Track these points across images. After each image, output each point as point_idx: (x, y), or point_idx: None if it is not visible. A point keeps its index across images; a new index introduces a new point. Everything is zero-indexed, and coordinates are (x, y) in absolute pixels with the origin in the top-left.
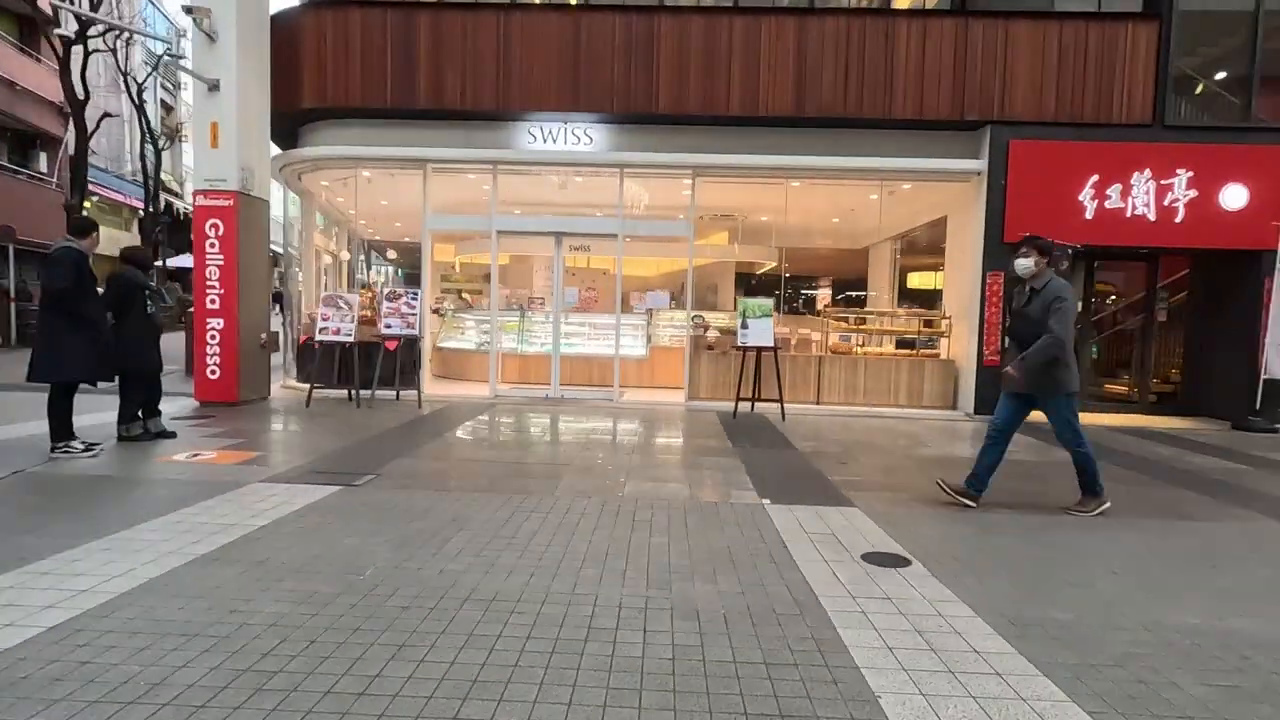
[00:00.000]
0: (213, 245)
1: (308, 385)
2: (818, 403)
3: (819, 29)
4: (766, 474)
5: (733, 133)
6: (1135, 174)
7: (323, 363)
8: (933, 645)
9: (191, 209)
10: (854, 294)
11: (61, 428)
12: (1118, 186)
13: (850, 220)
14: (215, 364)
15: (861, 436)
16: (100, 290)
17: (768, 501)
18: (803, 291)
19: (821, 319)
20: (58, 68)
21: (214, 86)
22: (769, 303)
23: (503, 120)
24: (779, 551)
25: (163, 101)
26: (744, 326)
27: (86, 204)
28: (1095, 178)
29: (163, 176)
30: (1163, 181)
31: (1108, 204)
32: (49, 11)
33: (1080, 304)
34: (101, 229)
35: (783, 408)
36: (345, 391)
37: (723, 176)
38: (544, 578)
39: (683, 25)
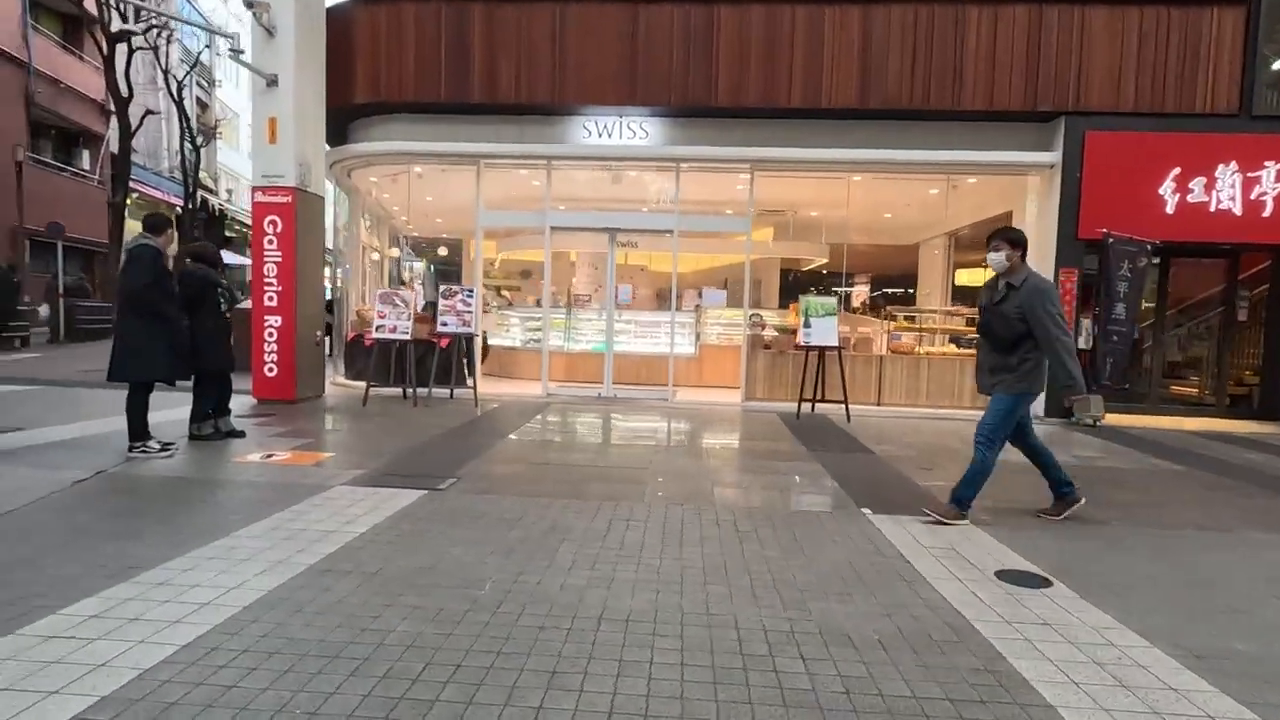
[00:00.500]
0: (271, 242)
1: (357, 383)
2: (879, 404)
3: (885, 17)
4: (852, 480)
5: (793, 125)
6: (1220, 166)
7: (375, 360)
8: (1122, 681)
9: (223, 205)
10: (890, 291)
11: (139, 427)
12: (1201, 180)
13: (904, 215)
14: (273, 361)
15: (934, 439)
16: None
17: (868, 511)
18: (834, 289)
19: (881, 317)
20: (101, 65)
21: (272, 82)
22: (832, 301)
23: (557, 115)
24: (903, 567)
25: (198, 99)
26: (806, 325)
27: (128, 201)
28: (1177, 170)
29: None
30: (1250, 174)
31: (1190, 198)
32: (93, 10)
33: (1154, 301)
34: (139, 225)
35: (847, 409)
36: (399, 390)
37: (781, 171)
38: (670, 595)
39: (742, 14)
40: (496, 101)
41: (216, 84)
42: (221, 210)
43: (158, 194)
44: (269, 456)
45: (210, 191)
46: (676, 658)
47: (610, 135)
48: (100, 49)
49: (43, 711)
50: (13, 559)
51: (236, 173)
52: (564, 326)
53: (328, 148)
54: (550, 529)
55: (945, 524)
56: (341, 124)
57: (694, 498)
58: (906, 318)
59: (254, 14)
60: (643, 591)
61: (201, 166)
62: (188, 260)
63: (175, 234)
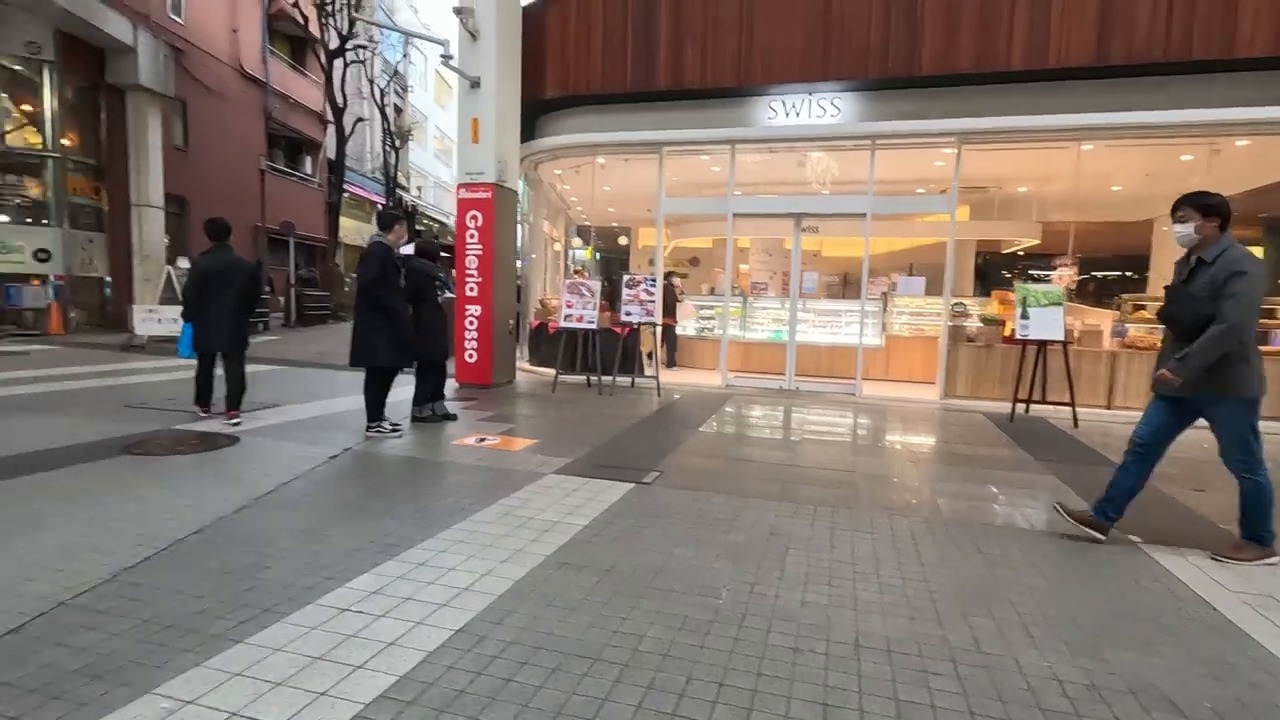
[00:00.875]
0: (472, 236)
1: (541, 369)
2: (1108, 406)
3: None
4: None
5: (1010, 91)
6: None
7: (556, 347)
8: None
9: (414, 201)
10: (1105, 275)
11: (375, 409)
12: None
13: (1140, 187)
14: (473, 348)
15: (1192, 452)
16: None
17: (1139, 540)
18: (1032, 272)
19: (1104, 306)
20: (321, 80)
21: (475, 84)
22: (1057, 289)
23: (742, 96)
24: (1209, 615)
25: (394, 105)
26: (1024, 316)
27: (342, 199)
28: None
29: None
30: None
31: None
32: (315, 32)
33: None
34: (350, 221)
35: (1074, 412)
36: (582, 377)
37: (993, 143)
38: (927, 623)
39: None
40: (682, 86)
41: (409, 90)
42: (413, 206)
43: (363, 193)
44: (481, 440)
45: (403, 189)
46: (961, 703)
47: (798, 114)
48: (321, 65)
49: (355, 683)
50: (299, 528)
51: (424, 171)
52: (740, 315)
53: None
54: (770, 534)
55: (1248, 563)
56: (530, 120)
57: (917, 507)
58: (1137, 306)
59: (460, 20)
60: (894, 617)
61: (396, 166)
62: (408, 255)
63: (405, 229)
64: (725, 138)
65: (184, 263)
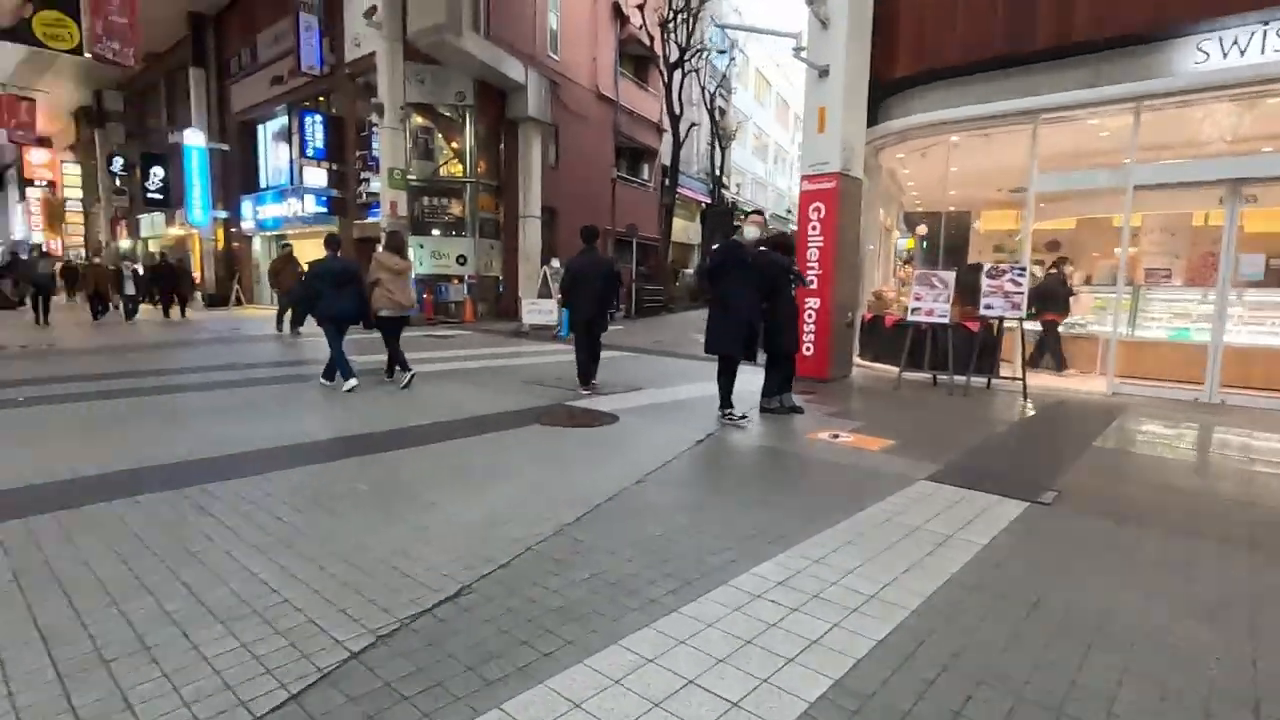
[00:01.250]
0: (814, 228)
1: (874, 364)
2: None
3: None
4: None
5: None
6: None
7: (897, 342)
8: None
9: (734, 199)
10: None
11: (724, 396)
12: None
13: None
14: (810, 341)
15: None
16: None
17: None
18: None
19: None
20: (659, 92)
21: (824, 73)
22: None
23: (1155, 41)
24: None
25: (719, 109)
26: None
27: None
28: None
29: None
30: None
31: None
32: (659, 49)
33: None
34: (678, 221)
35: None
36: (927, 375)
37: None
38: None
39: None
40: (1069, 41)
41: (733, 92)
42: (733, 203)
43: (689, 193)
44: (835, 437)
45: (724, 187)
46: None
47: (1242, 54)
48: (662, 78)
49: (793, 678)
50: (690, 505)
51: (743, 168)
52: (1129, 309)
53: None
54: (1250, 594)
55: None
56: (872, 105)
57: None
58: None
59: (811, 9)
60: None
61: (723, 166)
62: (763, 249)
63: (757, 221)
64: (1128, 95)
65: (555, 263)
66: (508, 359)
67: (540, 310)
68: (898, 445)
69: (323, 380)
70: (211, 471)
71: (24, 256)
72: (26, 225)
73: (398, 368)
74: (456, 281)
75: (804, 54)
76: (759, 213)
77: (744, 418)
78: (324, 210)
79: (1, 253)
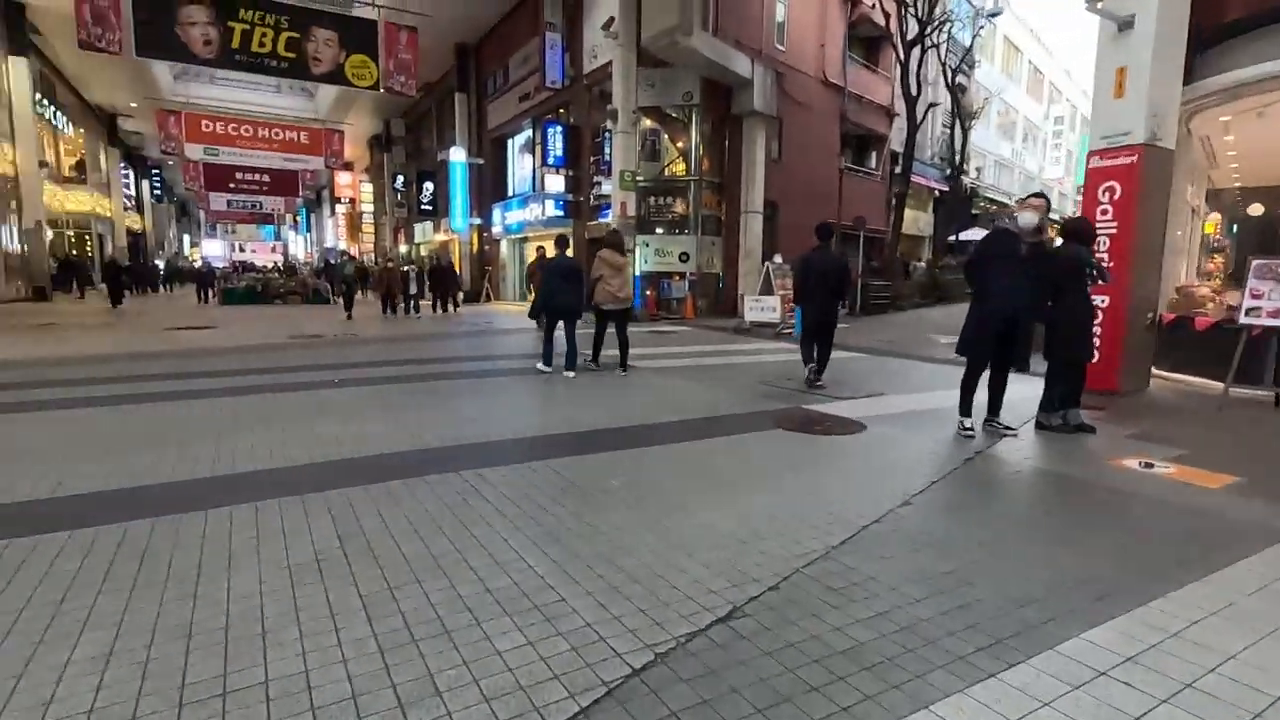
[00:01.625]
0: (1105, 212)
1: (1174, 375)
2: None
3: None
4: None
5: None
6: None
7: (1212, 350)
8: None
9: (973, 184)
10: None
11: (964, 404)
12: None
13: None
14: (1096, 347)
15: None
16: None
17: None
18: None
19: None
20: (891, 74)
21: (1125, 24)
22: None
23: None
24: None
25: (960, 85)
26: None
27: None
28: None
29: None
30: None
31: None
32: (893, 27)
33: None
34: (909, 211)
35: None
36: (1265, 392)
37: None
38: None
39: None
40: None
41: (976, 65)
42: (972, 189)
43: (921, 180)
44: (1149, 465)
45: (963, 172)
46: None
47: None
48: (897, 57)
49: None
50: (980, 540)
51: (983, 150)
52: None
53: None
54: None
55: None
56: (1188, 57)
57: None
58: None
59: None
60: None
61: (964, 149)
62: (1044, 239)
63: (1037, 206)
64: None
65: (777, 259)
66: (731, 356)
67: (762, 307)
68: (1246, 484)
69: (566, 372)
70: (482, 456)
71: (333, 261)
72: (335, 235)
73: (618, 362)
74: (678, 278)
75: (1101, 4)
76: (1040, 195)
77: (1010, 430)
78: (560, 214)
79: (318, 258)
